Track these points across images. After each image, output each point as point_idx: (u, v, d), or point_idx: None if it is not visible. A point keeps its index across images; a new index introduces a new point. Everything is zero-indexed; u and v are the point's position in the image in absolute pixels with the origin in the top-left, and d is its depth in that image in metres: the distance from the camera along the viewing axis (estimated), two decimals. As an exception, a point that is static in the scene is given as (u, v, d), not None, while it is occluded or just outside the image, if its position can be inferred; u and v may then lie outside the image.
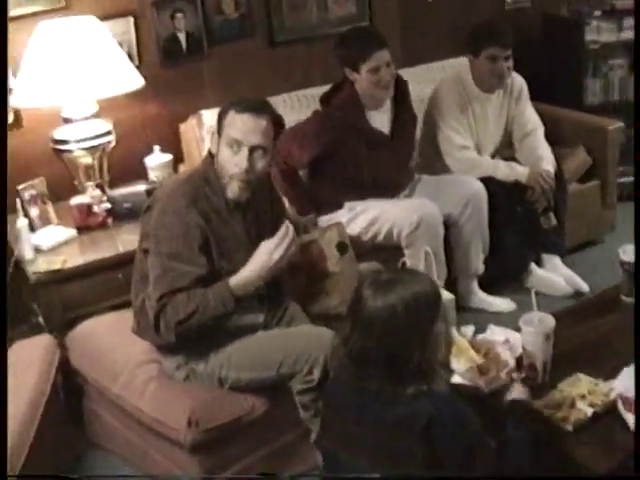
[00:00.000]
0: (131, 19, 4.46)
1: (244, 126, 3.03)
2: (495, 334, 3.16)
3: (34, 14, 4.19)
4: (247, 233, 3.18)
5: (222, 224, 3.10)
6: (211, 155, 3.18)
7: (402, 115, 4.35)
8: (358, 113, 4.19)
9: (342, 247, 3.28)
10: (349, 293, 2.69)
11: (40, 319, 3.96)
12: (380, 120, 4.27)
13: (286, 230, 3.01)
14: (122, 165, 4.27)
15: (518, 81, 4.70)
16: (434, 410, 2.22)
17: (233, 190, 3.09)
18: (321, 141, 4.15)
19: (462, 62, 4.71)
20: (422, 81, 4.86)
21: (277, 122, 3.14)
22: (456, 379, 2.89)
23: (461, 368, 2.90)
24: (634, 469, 2.25)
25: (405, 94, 4.36)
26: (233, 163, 3.05)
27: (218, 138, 3.10)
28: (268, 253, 3.00)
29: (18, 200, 3.90)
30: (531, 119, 4.72)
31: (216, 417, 3.05)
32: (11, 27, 4.08)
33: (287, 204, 3.94)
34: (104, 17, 4.20)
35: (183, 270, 2.96)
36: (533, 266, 4.55)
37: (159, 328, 2.99)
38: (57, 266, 3.67)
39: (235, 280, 3.00)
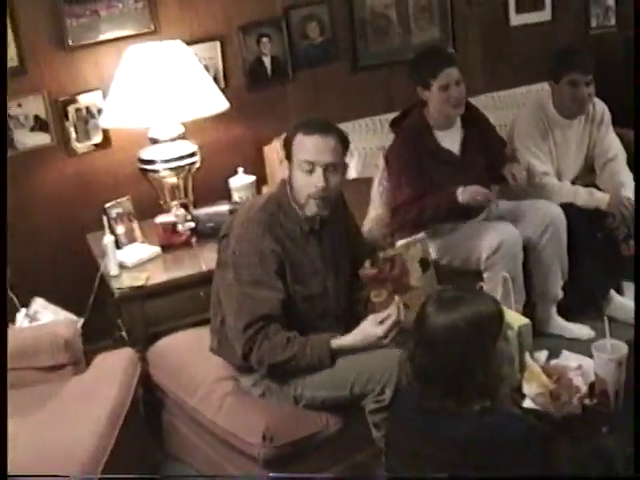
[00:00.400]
0: (218, 43, 4.60)
1: (315, 147, 3.11)
2: (568, 360, 3.17)
3: (124, 38, 4.35)
4: (323, 258, 3.25)
5: (297, 249, 3.18)
6: (285, 181, 3.26)
7: (472, 136, 4.35)
8: (426, 133, 4.24)
9: (425, 264, 3.30)
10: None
11: (124, 333, 4.07)
12: (450, 140, 4.29)
13: (395, 308, 3.05)
14: (206, 185, 4.38)
15: (600, 107, 4.69)
16: (499, 426, 2.25)
17: (311, 209, 3.16)
18: (403, 162, 4.20)
19: (544, 88, 4.72)
20: (504, 107, 4.88)
21: (343, 140, 3.21)
22: (527, 404, 2.90)
23: (533, 393, 2.91)
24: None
25: (475, 116, 4.38)
26: (309, 184, 3.12)
27: (288, 164, 3.18)
28: (374, 326, 3.06)
29: (105, 217, 4.03)
30: (613, 145, 4.70)
31: (291, 433, 3.11)
32: (101, 50, 4.30)
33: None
34: (192, 41, 4.34)
35: (264, 296, 3.05)
36: (613, 293, 4.52)
37: (249, 358, 3.08)
38: (141, 282, 3.79)
39: (337, 342, 3.09)
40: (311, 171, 3.11)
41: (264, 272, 3.07)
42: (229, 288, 3.14)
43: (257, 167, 4.56)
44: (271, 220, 3.15)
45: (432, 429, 2.34)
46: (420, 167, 4.17)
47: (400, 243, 3.88)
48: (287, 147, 3.18)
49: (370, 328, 3.06)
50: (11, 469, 2.80)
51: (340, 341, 3.10)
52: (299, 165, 3.12)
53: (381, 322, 3.04)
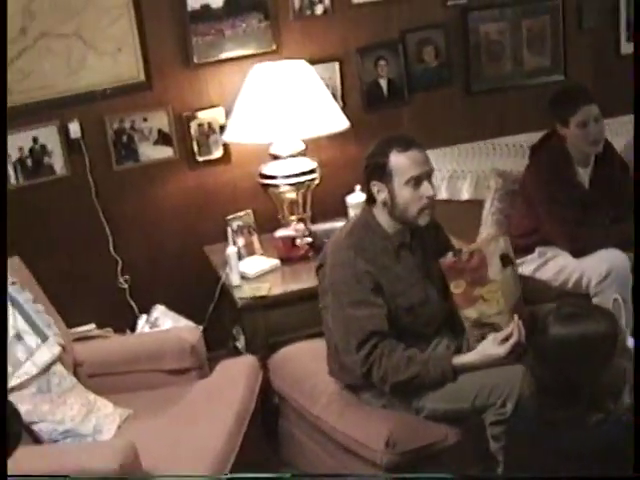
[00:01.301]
0: (337, 64, 4.71)
1: (416, 161, 3.20)
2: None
3: (246, 57, 4.49)
4: (417, 267, 3.33)
5: (390, 265, 3.27)
6: (368, 203, 3.34)
7: (604, 175, 4.36)
8: (568, 165, 4.27)
9: (505, 259, 3.32)
10: (507, 306, 2.92)
11: (238, 344, 4.19)
12: (583, 175, 4.33)
13: (516, 328, 3.07)
14: (324, 202, 4.49)
15: None
16: (618, 438, 2.29)
17: (425, 219, 3.25)
18: (543, 193, 4.25)
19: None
20: (618, 133, 4.90)
21: None
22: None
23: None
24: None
25: (608, 151, 4.39)
26: (418, 197, 3.20)
27: (383, 184, 3.23)
28: (495, 346, 3.10)
29: (229, 229, 4.16)
30: None
31: (412, 441, 3.17)
32: (224, 68, 4.47)
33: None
34: (311, 61, 4.44)
35: (367, 314, 3.14)
36: None
37: (371, 377, 3.16)
38: (263, 293, 3.90)
39: (458, 360, 3.15)
40: (418, 184, 3.19)
41: (362, 292, 3.16)
42: (333, 314, 3.26)
43: (371, 186, 4.63)
44: (359, 244, 3.24)
45: (552, 440, 2.39)
46: (555, 199, 4.21)
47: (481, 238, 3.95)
48: (380, 169, 3.23)
49: (491, 348, 3.10)
50: (145, 465, 2.93)
51: (461, 359, 3.16)
52: (405, 183, 3.19)
53: (502, 341, 3.09)
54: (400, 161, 3.19)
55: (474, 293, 3.15)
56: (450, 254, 3.20)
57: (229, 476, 3.12)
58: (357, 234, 3.29)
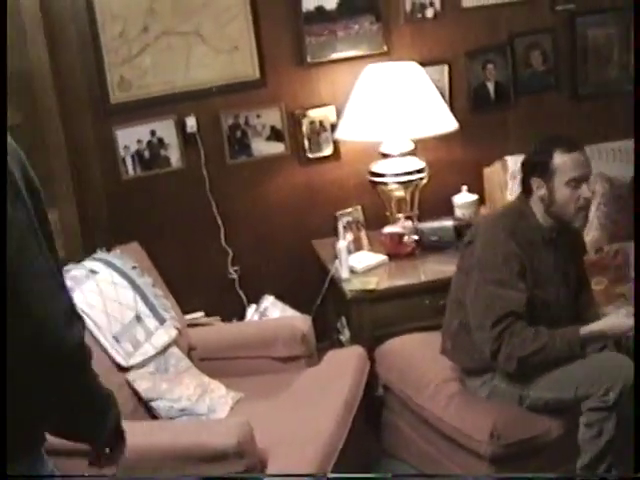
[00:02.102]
0: (445, 67, 4.80)
1: (579, 163, 3.30)
2: None
3: (357, 57, 4.61)
4: (556, 266, 3.41)
5: (536, 256, 3.35)
6: (525, 194, 3.42)
7: None
8: None
9: None
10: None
11: (342, 336, 4.31)
12: None
13: None
14: (431, 201, 4.58)
15: None
16: None
17: (580, 220, 3.36)
18: None
19: None
20: None
21: None
22: None
23: None
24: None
25: None
26: (577, 198, 3.29)
27: (543, 181, 3.32)
28: (625, 317, 3.16)
29: (339, 224, 4.28)
30: None
31: (516, 433, 3.26)
32: (336, 68, 4.62)
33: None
34: (420, 64, 4.53)
35: (511, 295, 3.22)
36: None
37: (497, 356, 3.24)
38: (371, 286, 4.01)
39: (586, 328, 3.21)
40: (577, 186, 3.27)
41: (508, 273, 3.25)
42: (475, 289, 3.33)
43: (477, 187, 4.71)
44: (513, 227, 3.34)
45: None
46: None
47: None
48: (541, 167, 3.32)
49: (623, 318, 3.17)
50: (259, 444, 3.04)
51: (589, 327, 3.21)
52: (565, 183, 3.28)
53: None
54: (564, 161, 3.29)
55: (615, 291, 3.19)
56: (593, 252, 3.25)
57: (332, 476, 3.20)
58: (511, 218, 3.40)
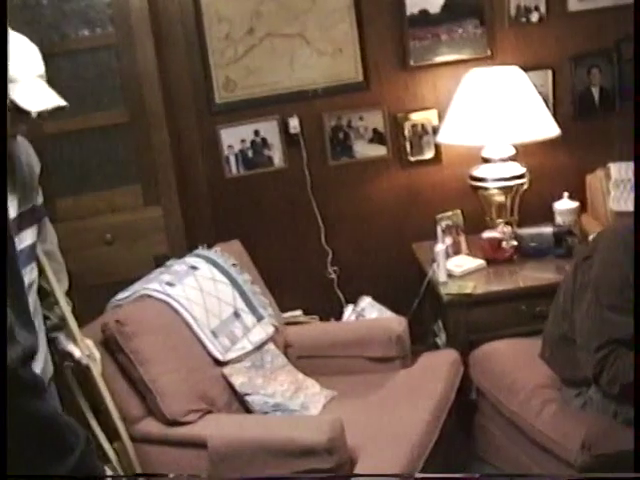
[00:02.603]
0: (549, 72, 4.77)
1: None
2: None
3: (461, 61, 4.62)
4: None
5: None
6: None
7: None
8: None
9: None
10: None
11: (438, 339, 4.32)
12: None
13: None
14: (531, 206, 4.56)
15: None
16: None
17: None
18: None
19: None
20: None
21: None
22: None
23: None
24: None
25: None
26: None
27: None
28: None
29: (438, 228, 4.30)
30: None
31: (608, 445, 3.20)
32: (438, 71, 4.66)
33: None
34: (524, 68, 4.51)
35: (621, 322, 3.12)
36: None
37: (599, 379, 3.17)
38: (468, 291, 4.01)
39: None
40: None
41: (623, 299, 3.13)
42: (587, 309, 3.25)
43: (578, 194, 4.66)
44: (633, 249, 3.24)
45: None
46: None
47: None
48: None
49: None
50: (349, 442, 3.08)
51: None
52: None
53: None
54: None
55: None
56: None
57: (420, 476, 3.21)
58: (632, 237, 3.29)
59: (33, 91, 2.49)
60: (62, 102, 2.58)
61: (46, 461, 1.61)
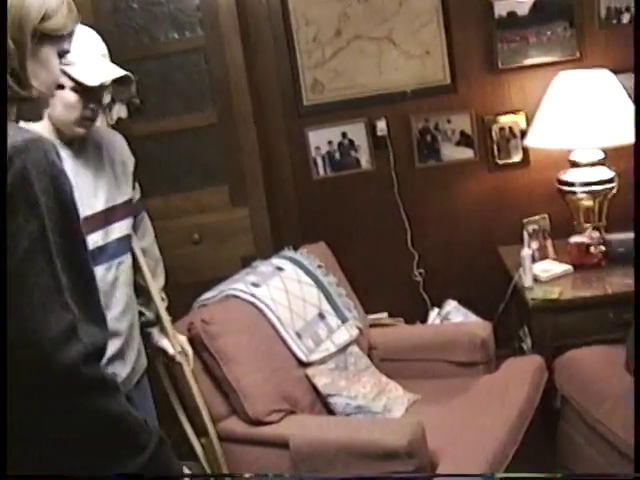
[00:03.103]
0: None
1: None
2: None
3: (549, 64, 4.58)
4: None
5: None
6: None
7: None
8: None
9: None
10: None
11: (524, 344, 4.28)
12: None
13: None
14: (620, 211, 4.46)
15: None
16: None
17: None
18: None
19: None
20: None
21: None
22: None
23: None
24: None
25: None
26: None
27: None
28: None
29: (525, 232, 4.26)
30: None
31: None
32: (527, 74, 4.64)
33: None
34: (614, 71, 4.43)
35: None
36: None
37: None
38: (554, 296, 3.97)
39: None
40: None
41: None
42: None
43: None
44: None
45: None
46: None
47: None
48: None
49: None
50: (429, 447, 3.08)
51: None
52: None
53: None
54: None
55: None
56: None
57: (502, 475, 3.20)
58: None
59: (93, 67, 2.52)
60: (122, 72, 2.57)
61: (115, 459, 1.65)
